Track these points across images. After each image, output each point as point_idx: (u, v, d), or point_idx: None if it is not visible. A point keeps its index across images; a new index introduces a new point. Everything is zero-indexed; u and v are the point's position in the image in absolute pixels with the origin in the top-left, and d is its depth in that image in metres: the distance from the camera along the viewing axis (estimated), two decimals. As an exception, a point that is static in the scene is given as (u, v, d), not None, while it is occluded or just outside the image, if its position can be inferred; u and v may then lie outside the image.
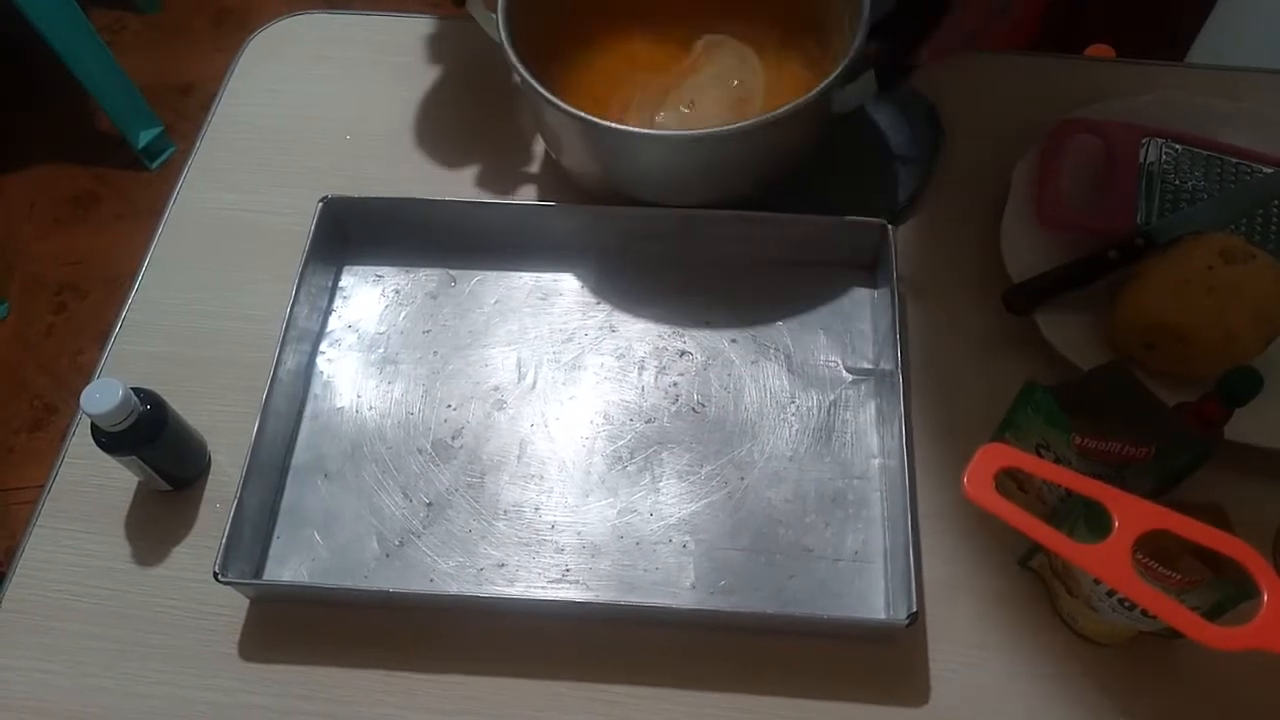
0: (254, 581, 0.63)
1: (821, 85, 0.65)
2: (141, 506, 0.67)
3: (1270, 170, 0.72)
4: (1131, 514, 0.50)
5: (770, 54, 0.78)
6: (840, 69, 0.65)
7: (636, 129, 0.67)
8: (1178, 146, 0.73)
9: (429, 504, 0.66)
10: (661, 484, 0.66)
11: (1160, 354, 0.65)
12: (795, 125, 0.67)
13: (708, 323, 0.73)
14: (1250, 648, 0.48)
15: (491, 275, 0.75)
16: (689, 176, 0.71)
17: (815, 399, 0.69)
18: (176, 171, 0.84)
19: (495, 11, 0.71)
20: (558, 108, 0.66)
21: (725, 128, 0.65)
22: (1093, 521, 0.53)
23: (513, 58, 0.69)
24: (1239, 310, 0.63)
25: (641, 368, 0.71)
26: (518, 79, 0.68)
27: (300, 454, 0.68)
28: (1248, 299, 0.63)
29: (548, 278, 0.75)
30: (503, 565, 0.64)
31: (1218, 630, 0.49)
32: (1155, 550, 0.53)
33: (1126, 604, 0.53)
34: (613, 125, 0.66)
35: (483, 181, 0.81)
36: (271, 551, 0.65)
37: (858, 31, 0.67)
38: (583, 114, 0.66)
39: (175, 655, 0.62)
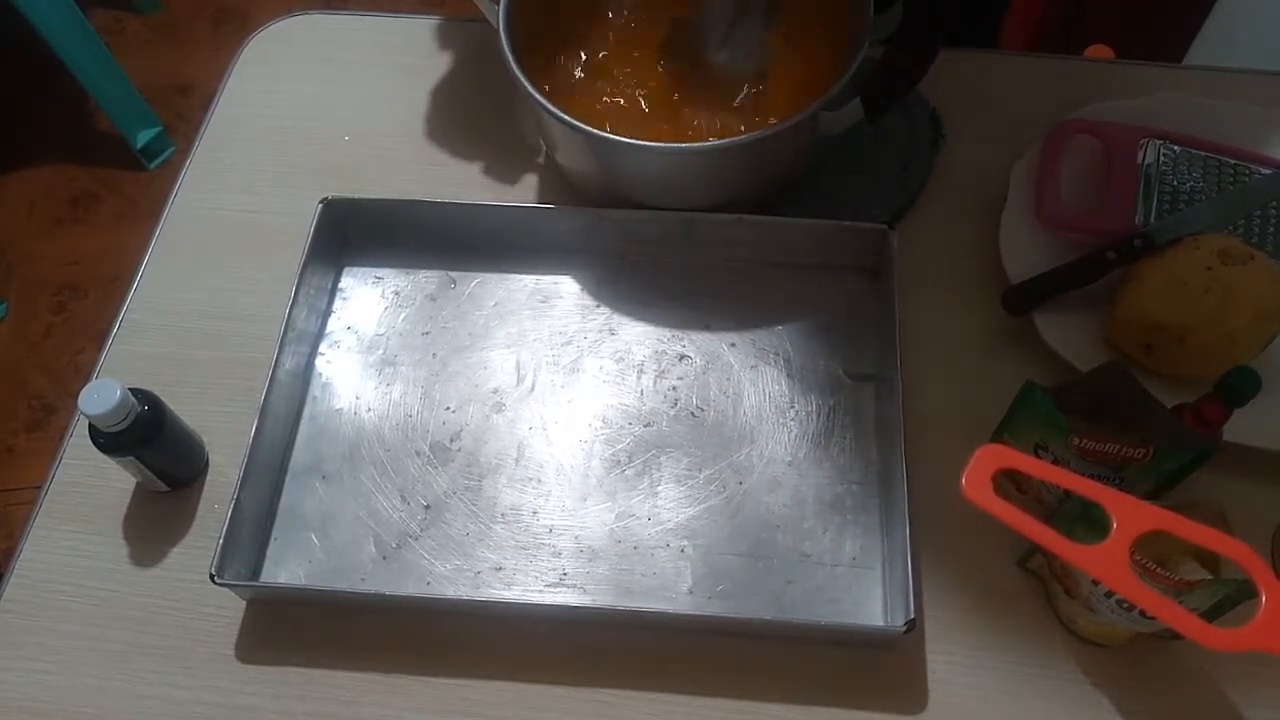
0: (250, 583, 0.62)
1: (807, 110, 0.65)
2: (139, 507, 0.67)
3: (1268, 171, 0.72)
4: (1130, 515, 0.50)
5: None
6: (828, 94, 0.65)
7: (629, 140, 0.67)
8: (1176, 148, 0.73)
9: (427, 506, 0.66)
10: (660, 488, 0.66)
11: (1159, 355, 0.65)
12: (784, 143, 0.67)
13: (707, 326, 0.72)
14: (1248, 649, 0.48)
15: (491, 277, 0.75)
16: (683, 185, 0.71)
17: (815, 403, 0.69)
18: (175, 172, 0.83)
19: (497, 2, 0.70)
20: (555, 115, 0.66)
21: (713, 143, 0.66)
22: (1091, 522, 0.52)
23: (511, 62, 0.68)
24: (1237, 311, 0.63)
25: (640, 371, 0.71)
26: (515, 73, 0.68)
27: (298, 455, 0.68)
28: (1246, 300, 0.63)
29: (547, 280, 0.75)
30: (500, 568, 0.64)
31: (1216, 631, 0.49)
32: (1154, 551, 0.53)
33: (1125, 605, 0.53)
34: (605, 135, 0.66)
35: (483, 183, 0.81)
36: (269, 553, 0.64)
37: (853, 59, 0.66)
38: (576, 122, 0.66)
39: (172, 656, 0.62)
